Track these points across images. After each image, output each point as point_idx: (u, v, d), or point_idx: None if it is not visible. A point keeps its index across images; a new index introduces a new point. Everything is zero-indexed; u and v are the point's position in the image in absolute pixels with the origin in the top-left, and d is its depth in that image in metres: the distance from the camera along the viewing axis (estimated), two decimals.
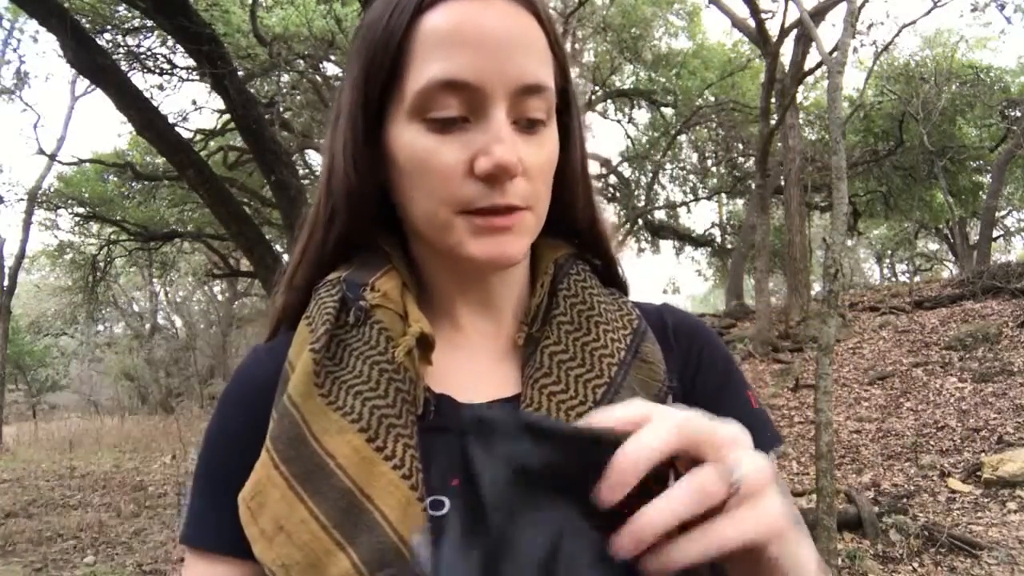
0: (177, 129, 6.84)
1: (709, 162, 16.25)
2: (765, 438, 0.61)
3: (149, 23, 6.93)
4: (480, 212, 0.54)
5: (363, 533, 0.48)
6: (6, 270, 12.76)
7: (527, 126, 0.55)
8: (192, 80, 8.64)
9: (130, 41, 7.96)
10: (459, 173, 0.53)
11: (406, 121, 0.54)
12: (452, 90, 0.52)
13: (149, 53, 8.21)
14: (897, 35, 12.15)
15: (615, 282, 0.67)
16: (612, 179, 16.13)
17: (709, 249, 18.30)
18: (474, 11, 0.53)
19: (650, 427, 0.40)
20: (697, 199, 16.72)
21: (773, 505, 0.41)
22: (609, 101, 15.10)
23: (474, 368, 0.61)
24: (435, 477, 0.53)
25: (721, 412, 0.62)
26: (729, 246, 17.36)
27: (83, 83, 11.48)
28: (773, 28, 9.77)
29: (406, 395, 0.54)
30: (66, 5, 5.22)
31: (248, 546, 0.52)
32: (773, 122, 9.74)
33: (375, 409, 0.52)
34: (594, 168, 16.10)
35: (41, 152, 11.70)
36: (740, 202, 17.12)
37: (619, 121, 15.90)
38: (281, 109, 9.02)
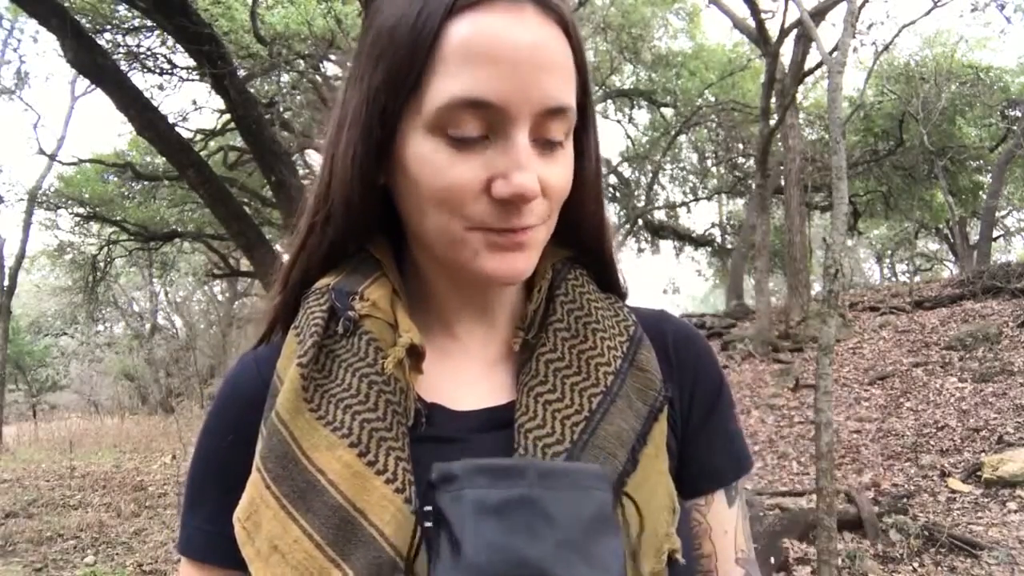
0: (177, 129, 6.83)
1: (709, 162, 16.26)
2: (744, 457, 0.65)
3: (149, 23, 6.93)
4: (494, 229, 0.53)
5: (358, 549, 0.48)
6: (6, 270, 12.75)
7: (546, 146, 0.53)
8: (192, 80, 8.64)
9: (130, 41, 7.97)
10: (474, 191, 0.52)
11: (423, 134, 0.52)
12: (474, 109, 0.50)
13: (149, 53, 8.21)
14: (897, 35, 12.15)
15: (613, 287, 0.66)
16: (612, 179, 16.13)
17: (709, 249, 18.30)
18: (504, 24, 0.50)
19: None
20: (697, 199, 16.74)
21: None
22: (609, 101, 15.10)
23: (467, 375, 0.60)
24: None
25: (710, 423, 0.64)
26: (729, 246, 17.36)
27: (83, 83, 11.50)
28: (773, 28, 9.77)
29: (396, 407, 0.53)
30: (66, 5, 5.22)
31: (240, 558, 0.52)
32: (773, 122, 9.73)
33: (365, 423, 0.52)
34: None
35: (41, 152, 11.74)
36: (740, 202, 17.11)
37: (619, 121, 15.91)
38: (281, 109, 9.03)
